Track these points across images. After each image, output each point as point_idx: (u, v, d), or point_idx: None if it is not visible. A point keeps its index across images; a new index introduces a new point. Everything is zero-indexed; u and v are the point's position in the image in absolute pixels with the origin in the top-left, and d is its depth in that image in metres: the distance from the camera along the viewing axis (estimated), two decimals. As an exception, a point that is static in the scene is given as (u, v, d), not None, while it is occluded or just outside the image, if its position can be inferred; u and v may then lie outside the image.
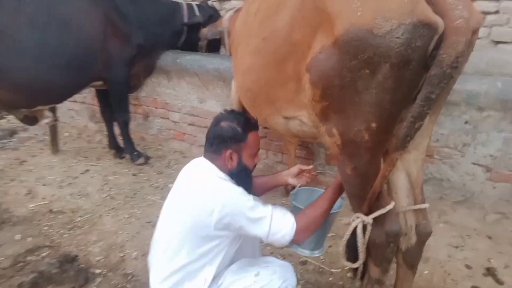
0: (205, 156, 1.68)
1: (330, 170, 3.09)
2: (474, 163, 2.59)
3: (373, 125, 1.40)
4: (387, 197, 1.62)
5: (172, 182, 3.60)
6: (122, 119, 3.75)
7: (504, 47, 3.02)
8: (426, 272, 2.29)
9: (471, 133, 2.54)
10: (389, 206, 1.59)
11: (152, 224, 2.95)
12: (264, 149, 3.54)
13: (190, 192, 1.59)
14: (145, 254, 2.62)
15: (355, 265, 1.73)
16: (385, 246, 1.66)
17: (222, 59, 3.43)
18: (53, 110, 4.01)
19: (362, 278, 1.87)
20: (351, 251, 1.74)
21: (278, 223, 1.54)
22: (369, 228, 1.62)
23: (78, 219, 3.06)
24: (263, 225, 1.52)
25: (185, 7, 3.79)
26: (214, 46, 3.89)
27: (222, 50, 3.71)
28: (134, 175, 3.75)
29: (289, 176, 1.98)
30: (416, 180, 1.72)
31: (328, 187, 1.73)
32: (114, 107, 3.72)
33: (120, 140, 4.08)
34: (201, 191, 1.56)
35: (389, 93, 1.33)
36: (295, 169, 1.98)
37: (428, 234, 1.73)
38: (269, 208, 1.56)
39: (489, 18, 2.98)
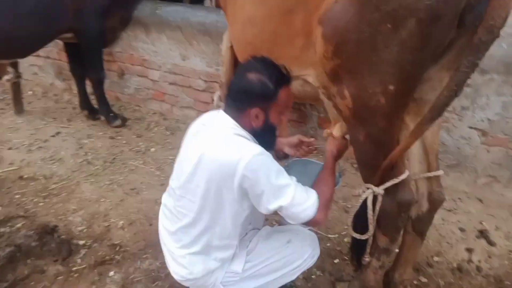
0: (225, 111, 1.48)
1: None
2: (470, 127, 2.58)
3: (391, 87, 1.27)
4: (401, 166, 1.53)
5: (154, 146, 3.47)
6: (96, 77, 3.43)
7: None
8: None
9: (471, 96, 2.50)
10: (403, 176, 1.52)
11: (136, 191, 2.80)
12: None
13: (209, 152, 1.39)
14: (132, 223, 2.49)
15: (364, 237, 1.66)
16: (396, 216, 1.61)
17: (208, 11, 3.15)
18: (15, 66, 3.62)
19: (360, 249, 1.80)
20: (360, 223, 1.67)
21: (302, 194, 1.40)
22: (380, 199, 1.55)
23: (53, 186, 2.85)
24: (287, 193, 1.37)
25: None
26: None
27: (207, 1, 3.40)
28: (112, 138, 3.51)
29: (287, 145, 1.84)
30: (431, 145, 1.65)
31: (325, 162, 1.63)
32: (87, 63, 3.38)
33: (93, 100, 3.76)
34: (221, 151, 1.38)
35: (412, 52, 1.20)
36: (294, 139, 1.83)
37: (441, 202, 1.70)
38: (293, 178, 1.43)
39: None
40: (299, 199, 1.39)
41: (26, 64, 4.48)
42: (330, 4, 1.33)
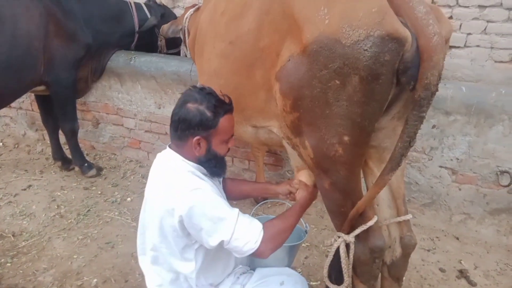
0: (171, 144, 1.55)
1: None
2: (441, 166, 2.69)
3: (346, 138, 1.38)
4: (369, 212, 1.60)
5: (130, 195, 3.44)
6: (69, 128, 3.44)
7: (456, 52, 3.16)
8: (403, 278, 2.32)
9: (438, 137, 2.62)
10: (371, 222, 1.58)
11: (112, 245, 2.73)
12: (230, 156, 3.42)
13: (153, 191, 1.51)
14: (106, 280, 2.42)
15: None
16: (370, 263, 1.65)
17: (181, 61, 3.25)
18: (-16, 119, 3.58)
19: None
20: (336, 272, 1.69)
21: (244, 227, 1.43)
22: (352, 247, 1.60)
23: (23, 243, 2.77)
24: (227, 227, 1.39)
25: (133, 6, 3.57)
26: (174, 44, 3.71)
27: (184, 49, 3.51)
28: (86, 189, 3.47)
29: (279, 193, 1.84)
30: (397, 190, 1.73)
31: (296, 202, 1.67)
32: (59, 114, 3.41)
33: (66, 150, 3.75)
34: (162, 189, 1.46)
35: (359, 106, 1.31)
36: (285, 189, 1.82)
37: (413, 246, 1.74)
38: (235, 210, 1.46)
39: (445, 22, 3.09)
40: (240, 233, 1.41)
41: (-3, 115, 4.46)
42: (284, 62, 1.44)
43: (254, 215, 1.99)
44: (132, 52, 3.55)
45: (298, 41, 1.36)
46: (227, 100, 1.49)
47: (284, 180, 3.25)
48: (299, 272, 2.46)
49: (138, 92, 3.52)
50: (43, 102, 3.52)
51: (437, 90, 1.23)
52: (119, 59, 3.49)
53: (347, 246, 1.60)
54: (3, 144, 4.39)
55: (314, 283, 2.38)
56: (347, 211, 1.55)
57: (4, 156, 4.11)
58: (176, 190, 1.40)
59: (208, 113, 1.42)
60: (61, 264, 2.55)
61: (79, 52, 3.18)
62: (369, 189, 1.47)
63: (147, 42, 3.65)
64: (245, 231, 1.42)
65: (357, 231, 1.57)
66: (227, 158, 3.46)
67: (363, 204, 1.49)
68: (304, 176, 1.76)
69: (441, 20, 1.33)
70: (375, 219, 1.58)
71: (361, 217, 1.55)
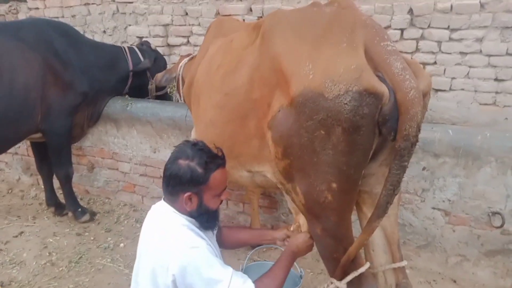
0: (164, 198, 1.57)
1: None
2: (433, 208, 2.72)
3: (334, 185, 1.44)
4: (361, 258, 1.63)
5: (123, 241, 3.42)
6: (63, 173, 3.48)
7: (443, 95, 3.29)
8: (401, 325, 2.28)
9: (429, 179, 2.67)
10: (362, 268, 1.60)
11: (103, 294, 2.67)
12: (224, 199, 3.42)
13: (148, 245, 1.51)
14: (96, 332, 2.35)
15: None
16: (363, 310, 1.63)
17: (176, 106, 3.36)
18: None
19: None
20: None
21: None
22: None
23: (12, 294, 2.69)
24: None
25: (127, 51, 3.70)
26: (162, 87, 3.81)
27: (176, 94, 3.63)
28: (79, 235, 3.45)
29: (276, 239, 1.86)
30: (391, 235, 1.76)
31: (281, 255, 1.67)
32: (54, 160, 3.45)
33: (60, 195, 3.75)
34: (156, 244, 1.46)
35: (344, 155, 1.39)
36: (281, 234, 1.85)
37: (409, 293, 1.72)
38: (229, 270, 1.46)
39: (428, 68, 3.26)
40: None
41: (-8, 160, 4.48)
42: (275, 112, 1.54)
43: (250, 260, 2.00)
44: (129, 98, 3.66)
45: (286, 94, 1.46)
46: (219, 154, 1.54)
47: (279, 222, 3.25)
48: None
49: (133, 136, 3.59)
50: (38, 148, 3.58)
51: (417, 141, 1.30)
52: (115, 105, 3.59)
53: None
54: (-3, 189, 4.39)
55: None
56: (339, 257, 1.57)
57: (-3, 202, 4.10)
58: (171, 246, 1.42)
59: (199, 170, 1.46)
60: (51, 316, 2.50)
61: (75, 100, 3.27)
62: (358, 236, 1.50)
63: (139, 85, 3.74)
64: None
65: (349, 277, 1.58)
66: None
67: (354, 250, 1.52)
68: (302, 223, 1.79)
69: (419, 74, 1.43)
70: (367, 265, 1.60)
71: (353, 263, 1.58)
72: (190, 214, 1.52)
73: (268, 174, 1.83)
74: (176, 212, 1.52)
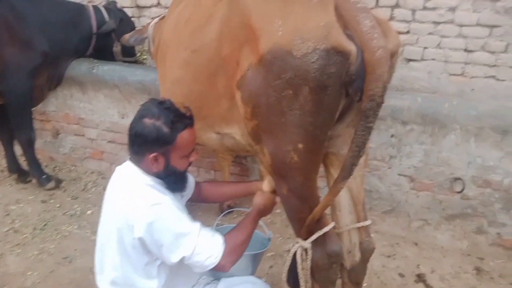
0: (130, 158, 1.54)
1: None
2: (399, 174, 2.81)
3: (300, 146, 1.45)
4: (326, 218, 1.67)
5: (91, 208, 3.38)
6: (25, 138, 3.34)
7: (414, 65, 3.35)
8: (365, 284, 2.40)
9: (396, 146, 2.75)
10: (327, 228, 1.64)
11: (69, 260, 2.68)
12: (195, 166, 3.43)
13: (112, 206, 1.49)
14: (63, 296, 2.34)
15: None
16: (328, 268, 1.70)
17: (146, 70, 3.26)
18: None
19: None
20: (294, 277, 1.75)
21: (205, 241, 1.45)
22: (309, 252, 1.65)
23: (-27, 261, 2.63)
24: (188, 243, 1.41)
25: (92, 10, 3.51)
26: (131, 52, 3.70)
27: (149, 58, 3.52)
28: (44, 202, 3.37)
29: (261, 187, 1.86)
30: (357, 196, 1.81)
31: (248, 212, 1.70)
32: (14, 124, 3.30)
33: (23, 162, 3.62)
34: (121, 204, 1.44)
35: (310, 115, 1.39)
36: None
37: (372, 251, 1.81)
38: (196, 224, 1.47)
39: (402, 37, 3.28)
40: (202, 248, 1.43)
41: None
42: (244, 71, 1.51)
43: (219, 225, 2.02)
44: (95, 60, 3.51)
45: (256, 51, 1.43)
46: (187, 113, 1.50)
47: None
48: (264, 281, 2.48)
49: (100, 101, 3.48)
50: (-3, 112, 3.41)
51: (382, 101, 1.31)
52: (81, 68, 3.44)
53: (305, 251, 1.65)
54: (-47, 156, 4.19)
55: (279, 293, 2.41)
56: (305, 217, 1.60)
57: (-45, 169, 3.93)
58: (135, 205, 1.40)
59: (165, 129, 1.42)
60: (14, 281, 2.47)
61: (35, 60, 3.11)
62: (324, 197, 1.53)
63: (103, 46, 3.58)
64: (207, 246, 1.44)
65: (314, 236, 1.63)
66: (192, 169, 3.46)
67: (319, 210, 1.55)
68: (266, 183, 1.81)
69: (388, 34, 1.42)
70: (331, 224, 1.65)
71: (318, 223, 1.62)
72: (157, 175, 1.50)
73: (237, 136, 1.82)
74: (142, 172, 1.49)
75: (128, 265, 1.47)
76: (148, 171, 1.49)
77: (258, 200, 1.72)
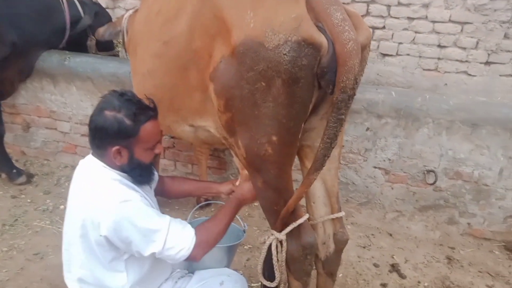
0: (92, 153, 1.50)
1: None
2: (375, 167, 2.88)
3: (274, 138, 1.46)
4: (300, 210, 1.69)
5: (64, 203, 3.31)
6: (-6, 132, 3.21)
7: (390, 60, 3.42)
8: (340, 275, 2.46)
9: (371, 139, 2.81)
10: (301, 219, 1.66)
11: (41, 256, 2.61)
12: (172, 160, 3.41)
13: (76, 203, 1.45)
14: (33, 293, 2.29)
15: (272, 285, 1.74)
16: (302, 259, 1.73)
17: (119, 62, 3.21)
18: None
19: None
20: (269, 269, 1.76)
21: (175, 235, 1.44)
22: (284, 244, 1.67)
23: None
24: (158, 239, 1.40)
25: (65, 2, 3.40)
26: (106, 46, 3.61)
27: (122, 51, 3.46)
28: (14, 197, 3.27)
29: (222, 190, 1.89)
30: (331, 189, 1.84)
31: (226, 202, 1.70)
32: (-18, 117, 3.16)
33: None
34: (85, 201, 1.40)
35: (284, 107, 1.40)
36: (227, 188, 1.88)
37: (345, 242, 1.85)
38: (166, 219, 1.46)
39: (377, 32, 3.35)
40: (172, 242, 1.42)
41: None
42: (217, 63, 1.51)
43: (193, 216, 2.02)
44: (66, 52, 3.41)
45: (228, 43, 1.43)
46: (151, 105, 1.47)
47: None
48: (241, 274, 2.50)
49: (73, 94, 3.40)
50: (-36, 104, 3.28)
51: (354, 93, 1.33)
52: (52, 59, 3.34)
53: (280, 243, 1.67)
54: None
55: (255, 285, 2.44)
56: (279, 209, 1.62)
57: None
58: (102, 202, 1.37)
59: (128, 122, 1.39)
60: (-18, 279, 2.39)
61: (3, 51, 2.99)
62: (297, 189, 1.55)
63: (77, 41, 3.50)
64: (177, 240, 1.43)
65: (288, 228, 1.64)
66: (169, 162, 3.44)
67: (293, 202, 1.57)
68: (245, 175, 1.82)
69: (359, 26, 1.45)
70: (305, 216, 1.67)
71: (293, 215, 1.64)
72: (121, 169, 1.47)
73: (212, 129, 1.82)
74: (106, 166, 1.46)
75: (94, 261, 1.45)
76: (112, 165, 1.45)
77: (238, 190, 1.72)
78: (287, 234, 1.67)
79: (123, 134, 1.40)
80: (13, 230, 2.86)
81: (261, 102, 1.40)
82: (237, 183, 1.92)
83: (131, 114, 1.39)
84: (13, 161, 3.51)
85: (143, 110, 1.44)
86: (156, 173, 1.81)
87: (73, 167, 3.85)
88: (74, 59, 3.29)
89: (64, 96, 3.45)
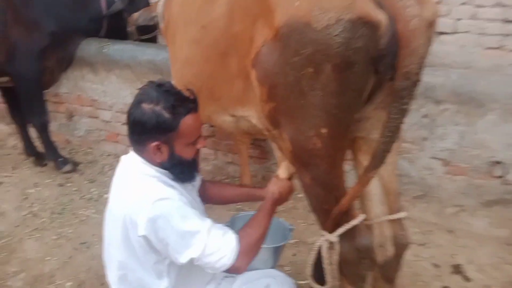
0: (132, 148, 1.44)
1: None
2: (432, 157, 2.66)
3: (323, 130, 1.33)
4: (354, 209, 1.55)
5: (108, 192, 3.32)
6: (38, 122, 3.33)
7: (446, 38, 3.11)
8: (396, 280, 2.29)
9: (429, 127, 2.59)
10: (356, 220, 1.52)
11: (87, 246, 2.67)
12: (213, 149, 3.35)
13: (116, 201, 1.41)
14: (81, 284, 2.37)
15: None
16: (357, 263, 1.61)
17: (157, 49, 3.17)
18: None
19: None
20: (320, 272, 1.65)
21: (216, 241, 1.34)
22: (336, 247, 1.55)
23: (-8, 246, 2.66)
24: (197, 243, 1.31)
25: None
26: (147, 31, 3.56)
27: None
28: (61, 185, 3.38)
29: (265, 195, 1.73)
30: (389, 185, 1.68)
31: (263, 203, 1.57)
32: (26, 107, 3.29)
33: (39, 144, 3.63)
34: (124, 199, 1.36)
35: (334, 96, 1.26)
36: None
37: (406, 246, 1.70)
38: (207, 221, 1.37)
39: (433, 8, 3.03)
40: (213, 248, 1.33)
41: (-34, 108, 4.30)
42: (259, 48, 1.38)
43: (240, 210, 1.94)
44: (105, 39, 3.43)
45: (270, 25, 1.31)
46: (191, 97, 1.38)
47: (270, 173, 3.19)
48: (287, 271, 2.42)
49: (112, 82, 3.41)
50: (9, 94, 3.39)
51: (418, 80, 1.17)
52: (90, 48, 3.37)
53: (332, 245, 1.55)
54: (-27, 139, 4.26)
55: (302, 282, 2.33)
56: (330, 209, 1.49)
57: (-25, 152, 3.99)
58: (138, 200, 1.31)
59: (166, 115, 1.30)
60: (33, 267, 2.48)
61: (43, 41, 3.05)
62: (352, 187, 1.41)
63: (117, 28, 3.48)
64: (218, 247, 1.34)
65: (341, 230, 1.52)
66: (210, 151, 3.39)
67: (346, 202, 1.44)
68: (282, 169, 1.70)
69: (424, 0, 1.25)
70: (360, 217, 1.53)
71: (346, 215, 1.51)
72: (162, 165, 1.40)
73: (254, 120, 1.71)
74: (145, 162, 1.39)
75: (136, 263, 1.40)
76: (151, 162, 1.39)
77: (273, 188, 1.61)
78: (340, 236, 1.54)
79: (162, 128, 1.32)
80: (61, 219, 2.95)
81: (308, 90, 1.27)
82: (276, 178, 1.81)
83: (170, 106, 1.31)
84: (59, 150, 3.61)
85: (182, 102, 1.35)
86: (200, 176, 1.74)
87: (116, 156, 3.95)
88: (112, 47, 3.29)
89: (104, 85, 3.48)
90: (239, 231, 1.44)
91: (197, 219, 1.34)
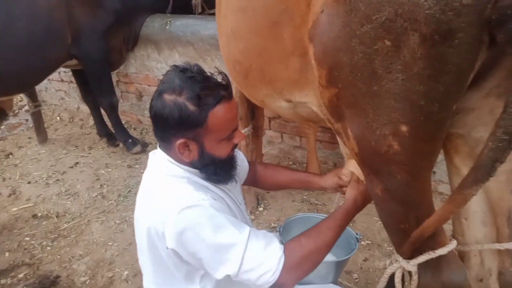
0: (158, 144, 1.22)
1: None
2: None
3: (404, 128, 0.93)
4: (443, 234, 1.14)
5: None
6: (107, 103, 3.32)
7: None
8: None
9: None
10: (443, 250, 1.12)
11: (147, 232, 2.57)
12: (278, 131, 3.03)
13: (141, 205, 1.20)
14: (137, 274, 2.29)
15: None
16: (443, 302, 1.20)
17: (220, 22, 2.84)
18: (32, 96, 3.62)
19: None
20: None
21: (257, 255, 1.06)
22: (414, 277, 1.17)
23: (64, 225, 2.78)
24: (233, 257, 1.05)
25: None
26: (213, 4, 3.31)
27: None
28: (130, 167, 3.39)
29: (325, 185, 1.48)
30: (498, 202, 1.20)
31: (335, 210, 1.25)
32: (95, 89, 3.28)
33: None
34: (150, 204, 1.14)
35: (422, 81, 0.85)
36: (331, 181, 1.47)
37: (516, 287, 1.21)
38: (245, 230, 1.08)
39: None
40: (252, 263, 1.05)
41: (53, 89, 4.57)
42: (317, 14, 1.00)
43: (304, 203, 1.62)
44: (168, 15, 3.24)
45: None
46: (222, 82, 1.09)
47: (342, 159, 2.78)
48: (355, 279, 2.06)
49: (176, 61, 3.24)
50: (80, 77, 3.43)
51: None
52: (154, 25, 3.21)
53: (408, 274, 1.18)
54: (60, 118, 4.53)
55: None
56: (408, 229, 1.09)
57: (60, 131, 4.23)
58: (163, 208, 1.08)
59: (191, 107, 1.05)
60: (96, 251, 2.48)
61: (107, 20, 2.95)
62: (442, 206, 1.00)
63: (182, 3, 3.30)
64: (259, 262, 1.06)
65: (422, 258, 1.12)
66: (276, 134, 3.07)
67: (432, 225, 1.02)
68: (355, 166, 1.33)
69: None
70: (451, 245, 1.11)
71: (431, 240, 1.10)
72: (193, 165, 1.15)
73: (314, 107, 1.34)
74: (172, 161, 1.15)
75: (166, 274, 1.20)
76: (179, 161, 1.15)
77: (354, 193, 1.29)
78: (420, 264, 1.15)
79: (187, 123, 1.06)
80: (126, 202, 2.94)
81: (384, 72, 0.88)
82: (343, 175, 1.44)
83: (195, 96, 1.05)
84: (131, 130, 3.61)
85: (210, 90, 1.07)
86: (245, 160, 1.48)
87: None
88: (174, 23, 3.08)
89: (168, 64, 3.33)
90: (292, 240, 1.15)
91: (233, 228, 1.07)
